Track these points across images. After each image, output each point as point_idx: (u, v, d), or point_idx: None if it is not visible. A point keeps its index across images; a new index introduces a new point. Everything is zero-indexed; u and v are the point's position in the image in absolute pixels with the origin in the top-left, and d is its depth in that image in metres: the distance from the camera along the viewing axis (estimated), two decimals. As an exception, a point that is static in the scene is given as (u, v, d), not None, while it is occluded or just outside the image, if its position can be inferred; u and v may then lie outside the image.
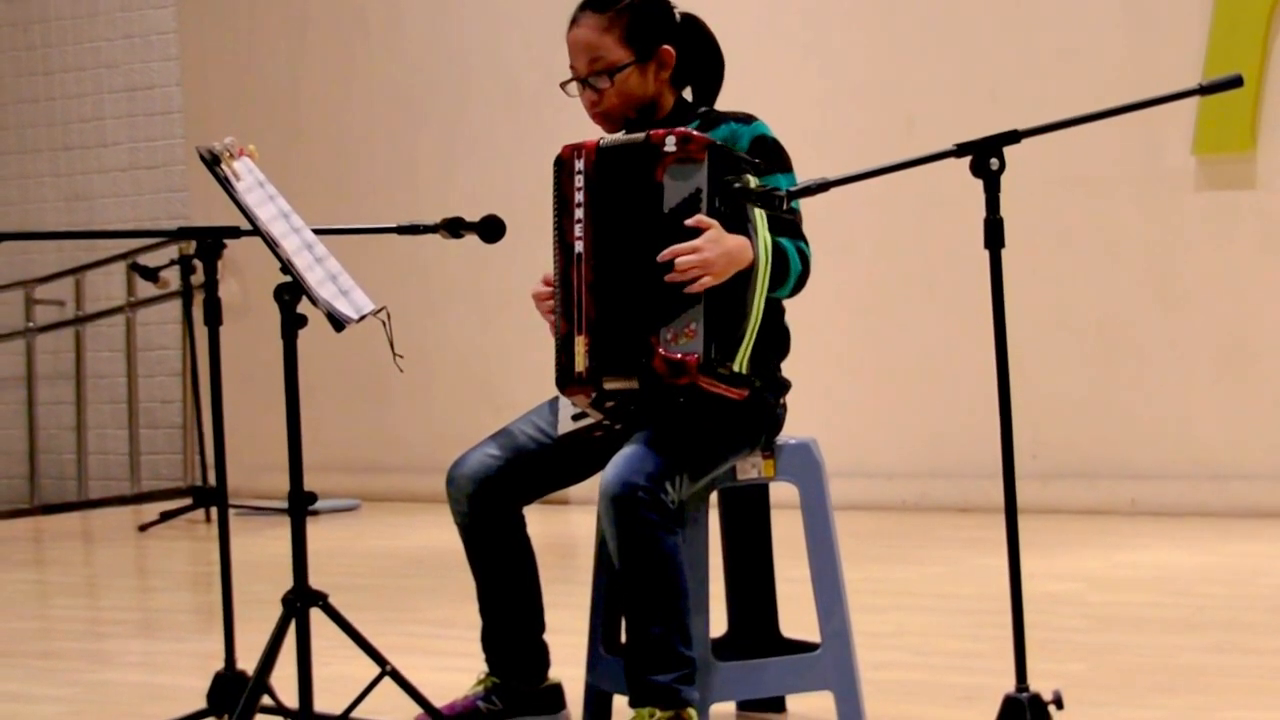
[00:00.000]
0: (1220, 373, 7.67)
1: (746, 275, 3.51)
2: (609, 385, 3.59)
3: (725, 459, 3.72)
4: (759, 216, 3.53)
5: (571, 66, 3.80)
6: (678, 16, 3.85)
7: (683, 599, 3.54)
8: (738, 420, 3.66)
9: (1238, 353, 7.64)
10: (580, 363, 3.59)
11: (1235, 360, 7.64)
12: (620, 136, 3.66)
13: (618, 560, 3.54)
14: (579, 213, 3.62)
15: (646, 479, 3.48)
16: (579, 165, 3.63)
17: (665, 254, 3.47)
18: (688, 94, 3.88)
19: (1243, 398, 7.62)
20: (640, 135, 3.58)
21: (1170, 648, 4.81)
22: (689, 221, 3.47)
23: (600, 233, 3.60)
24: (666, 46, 3.79)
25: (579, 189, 3.63)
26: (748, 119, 3.75)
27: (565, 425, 3.75)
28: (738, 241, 3.49)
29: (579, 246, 3.61)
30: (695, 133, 3.52)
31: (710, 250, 3.46)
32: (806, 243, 3.66)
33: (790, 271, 3.60)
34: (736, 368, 3.52)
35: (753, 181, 3.49)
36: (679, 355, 3.47)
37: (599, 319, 3.58)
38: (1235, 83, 3.33)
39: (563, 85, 3.83)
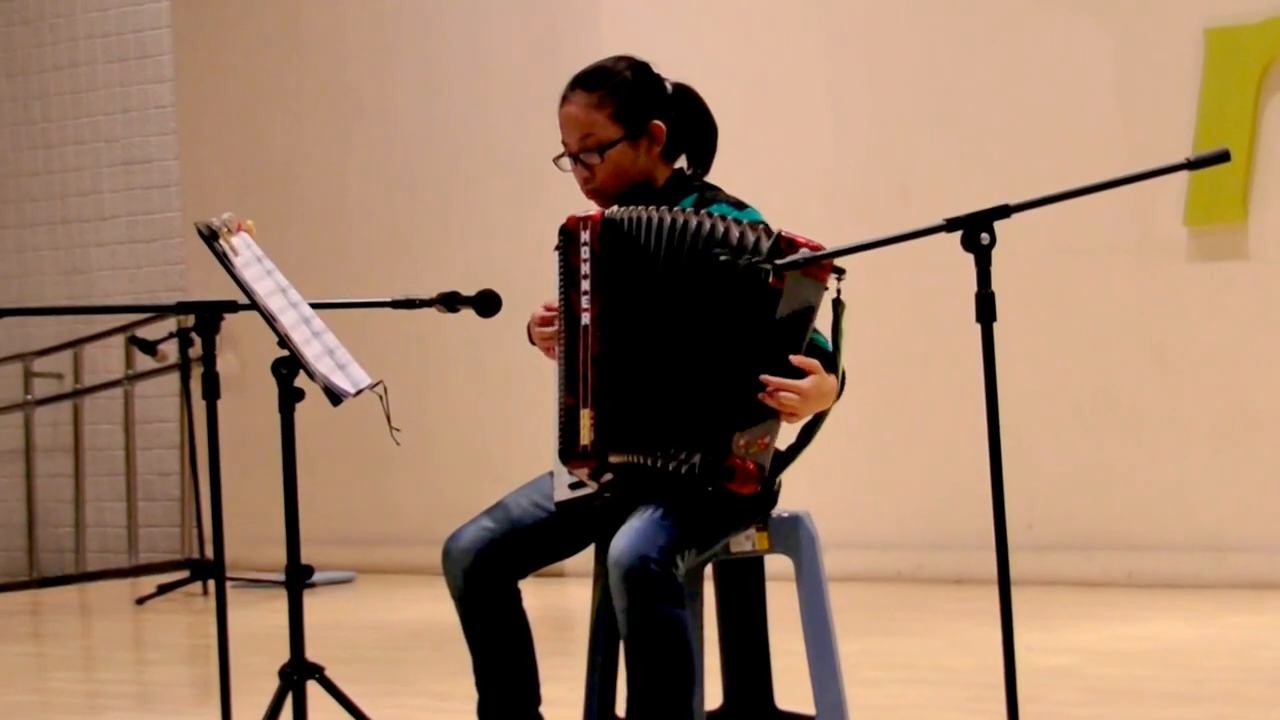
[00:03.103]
0: (1217, 443, 7.67)
1: None
2: (615, 459, 3.62)
3: (727, 534, 3.75)
4: (845, 340, 3.59)
5: (563, 142, 3.84)
6: (669, 88, 3.88)
7: (688, 674, 3.55)
8: (741, 496, 3.68)
9: (1234, 423, 7.64)
10: (585, 436, 3.61)
11: (1232, 431, 7.65)
12: (679, 212, 3.64)
13: (625, 632, 3.54)
14: (585, 284, 3.65)
15: (659, 552, 3.50)
16: (585, 236, 3.65)
17: (771, 381, 3.52)
18: (682, 161, 3.91)
19: (1240, 468, 7.62)
20: (750, 229, 3.57)
21: (1168, 720, 4.81)
22: (795, 360, 3.53)
23: (609, 307, 3.62)
24: (657, 122, 3.82)
25: (585, 260, 3.65)
26: (739, 205, 3.78)
27: (562, 494, 3.76)
28: (831, 385, 3.59)
29: (585, 319, 3.63)
30: (827, 250, 3.54)
31: (811, 393, 3.55)
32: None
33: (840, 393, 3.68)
34: (776, 482, 3.64)
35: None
36: (750, 465, 3.54)
37: (609, 394, 3.61)
38: (1222, 158, 3.36)
39: (555, 160, 3.86)
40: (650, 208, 3.67)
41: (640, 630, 3.51)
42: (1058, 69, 7.95)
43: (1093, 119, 7.86)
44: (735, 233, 3.58)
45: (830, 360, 3.65)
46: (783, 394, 3.53)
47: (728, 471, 3.54)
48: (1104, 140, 7.78)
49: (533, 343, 3.87)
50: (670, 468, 3.58)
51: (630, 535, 3.52)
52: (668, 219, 3.63)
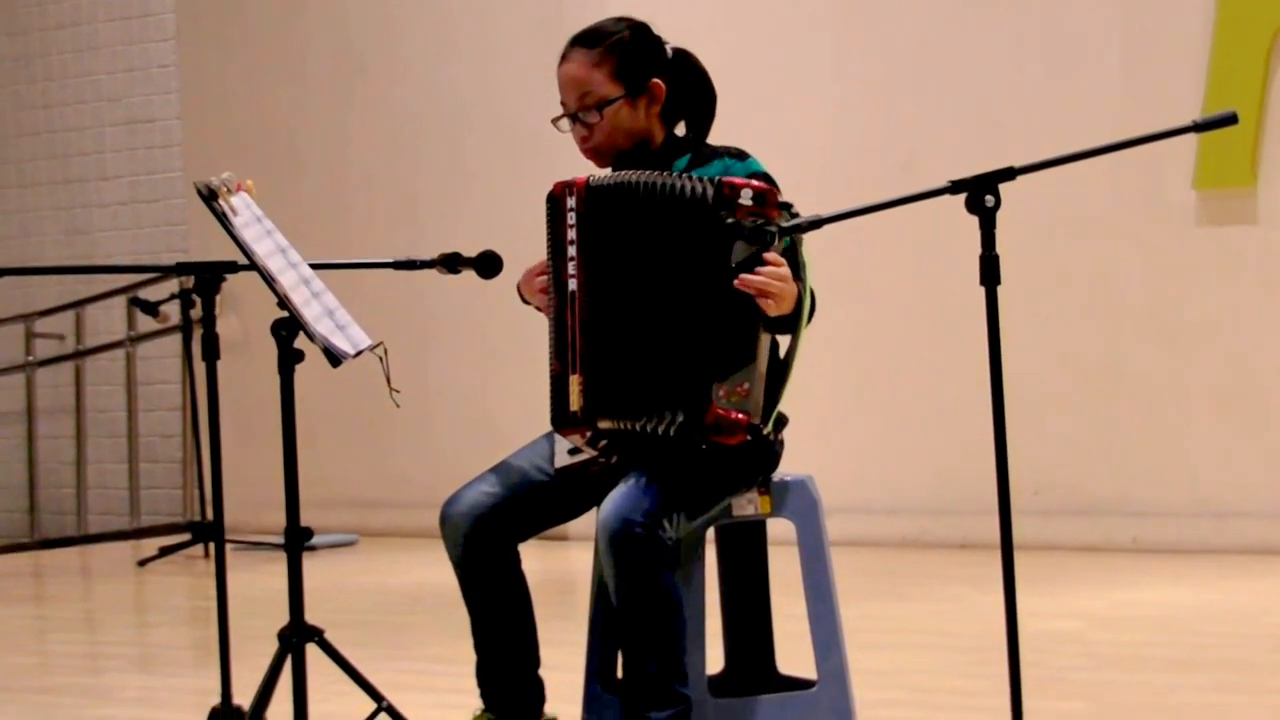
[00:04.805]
0: (1222, 409, 7.65)
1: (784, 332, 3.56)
2: (604, 425, 3.61)
3: (723, 497, 3.73)
4: (808, 271, 3.53)
5: (562, 102, 3.82)
6: (669, 52, 3.85)
7: (680, 636, 3.55)
8: (736, 459, 3.66)
9: (1239, 389, 7.62)
10: (575, 402, 3.60)
11: (1236, 397, 7.63)
12: (653, 175, 3.63)
13: (615, 597, 3.55)
14: (571, 249, 3.63)
15: (644, 515, 3.50)
16: (570, 203, 3.64)
17: (756, 275, 3.45)
18: (680, 129, 3.89)
19: (1244, 435, 7.60)
20: (698, 182, 3.55)
21: (1171, 686, 4.80)
22: (767, 256, 3.48)
23: (595, 273, 3.61)
24: (656, 81, 3.80)
25: (571, 225, 3.64)
26: (741, 155, 3.76)
27: (562, 459, 3.75)
28: (795, 285, 3.52)
29: (572, 285, 3.62)
30: (771, 189, 3.52)
31: (785, 276, 3.49)
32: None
33: (810, 318, 3.62)
34: (768, 429, 3.59)
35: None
36: (735, 414, 3.50)
37: (596, 359, 3.59)
38: (1229, 120, 3.34)
39: (554, 121, 3.84)
40: (632, 171, 3.65)
41: (629, 593, 3.52)
42: (1065, 32, 7.91)
43: (1101, 83, 7.81)
44: (688, 187, 3.55)
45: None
46: (768, 280, 3.47)
47: (713, 425, 3.51)
48: (1112, 105, 7.74)
49: (525, 301, 3.84)
50: (659, 430, 3.56)
51: (616, 500, 3.53)
52: (649, 180, 3.61)
